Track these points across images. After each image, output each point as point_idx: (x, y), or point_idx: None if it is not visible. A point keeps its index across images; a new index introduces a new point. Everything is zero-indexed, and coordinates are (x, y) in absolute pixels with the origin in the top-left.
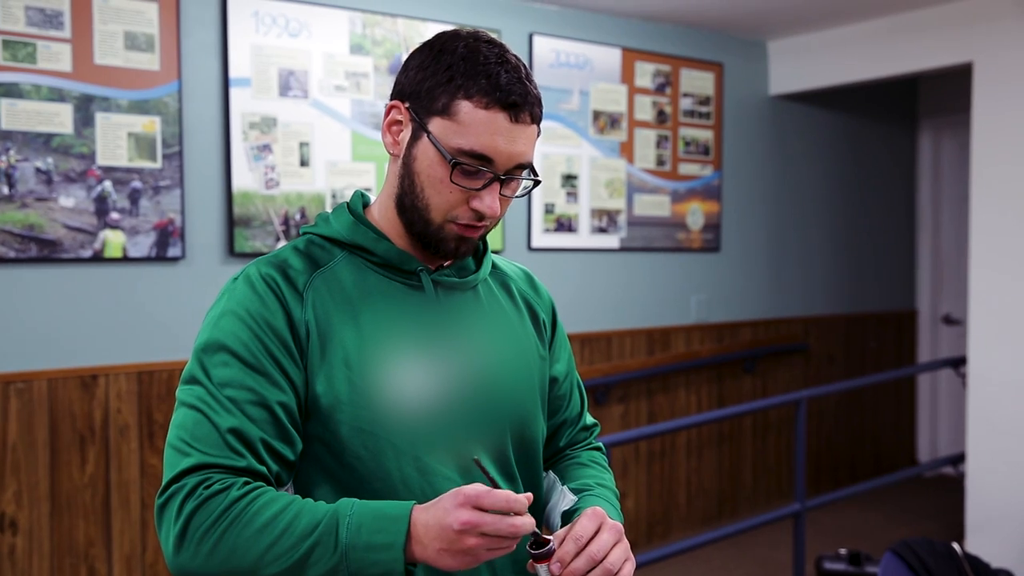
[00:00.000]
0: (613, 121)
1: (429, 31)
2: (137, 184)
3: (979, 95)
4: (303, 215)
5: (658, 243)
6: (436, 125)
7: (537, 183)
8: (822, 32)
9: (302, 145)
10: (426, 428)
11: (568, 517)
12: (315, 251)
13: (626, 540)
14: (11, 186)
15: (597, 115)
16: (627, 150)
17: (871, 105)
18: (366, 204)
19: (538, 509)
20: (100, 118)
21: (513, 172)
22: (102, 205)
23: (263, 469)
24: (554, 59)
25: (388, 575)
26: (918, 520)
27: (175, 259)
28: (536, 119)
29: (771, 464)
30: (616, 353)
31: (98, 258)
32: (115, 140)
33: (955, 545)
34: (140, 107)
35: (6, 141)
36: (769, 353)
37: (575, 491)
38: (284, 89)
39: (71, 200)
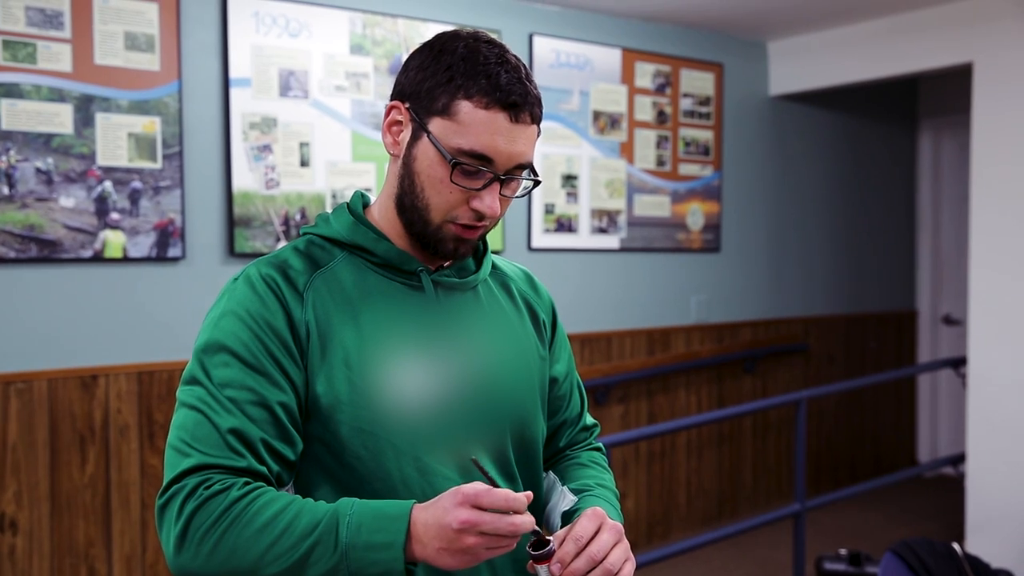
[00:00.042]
0: (613, 121)
1: (429, 31)
2: (137, 184)
3: (979, 95)
4: (303, 215)
5: (658, 243)
6: (436, 125)
7: (537, 183)
8: (822, 32)
9: (302, 145)
10: (426, 428)
11: (568, 517)
12: (315, 251)
13: (626, 540)
14: (11, 186)
15: (597, 115)
16: (627, 150)
17: (871, 105)
18: (366, 204)
19: (538, 509)
20: (100, 118)
21: (513, 172)
22: (102, 205)
23: (263, 469)
24: (554, 59)
25: (388, 574)
26: (918, 520)
27: (175, 259)
28: (536, 119)
29: (771, 464)
30: (616, 353)
31: (98, 258)
32: (115, 140)
33: (955, 545)
34: (140, 107)
35: (6, 141)
36: (769, 353)
37: (575, 491)
38: (284, 89)
39: (71, 200)
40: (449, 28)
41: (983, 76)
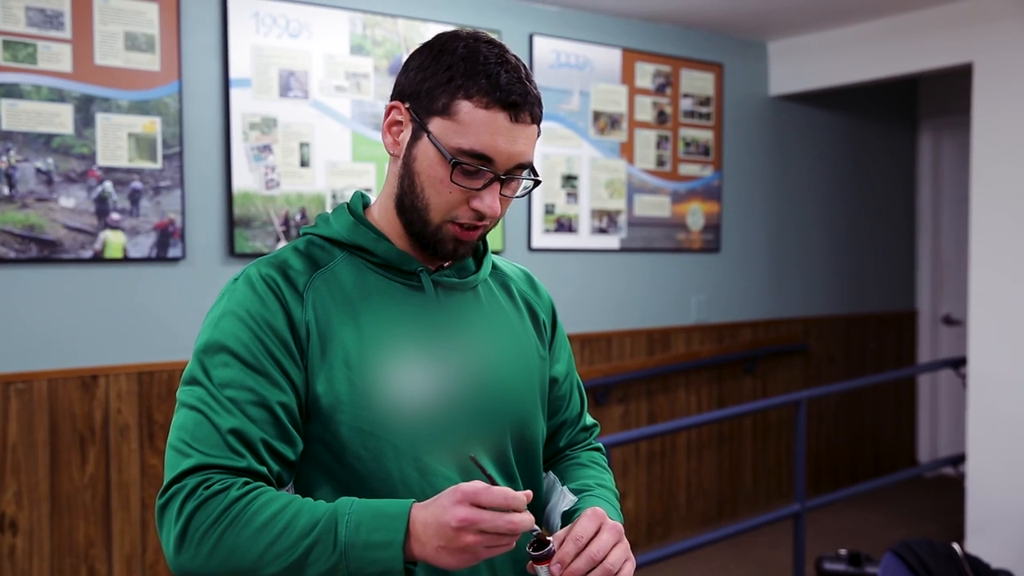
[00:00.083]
0: (613, 122)
1: (429, 32)
2: (137, 184)
3: (979, 96)
4: (303, 216)
5: (658, 244)
6: (436, 125)
7: (537, 183)
8: (822, 33)
9: (302, 146)
10: (426, 428)
11: (568, 517)
12: (315, 252)
13: (626, 540)
14: (11, 186)
15: (597, 116)
16: (627, 151)
17: (871, 106)
18: (366, 205)
19: (538, 509)
20: (100, 118)
21: (513, 172)
22: (102, 206)
23: (263, 469)
24: (554, 60)
25: (387, 573)
26: (918, 521)
27: (175, 259)
28: (536, 119)
29: (771, 465)
30: (616, 353)
31: (98, 258)
32: (115, 141)
33: (955, 546)
34: (140, 108)
35: (6, 141)
36: (769, 354)
37: (575, 491)
38: (284, 90)
39: (71, 200)
40: (449, 28)
41: (983, 76)
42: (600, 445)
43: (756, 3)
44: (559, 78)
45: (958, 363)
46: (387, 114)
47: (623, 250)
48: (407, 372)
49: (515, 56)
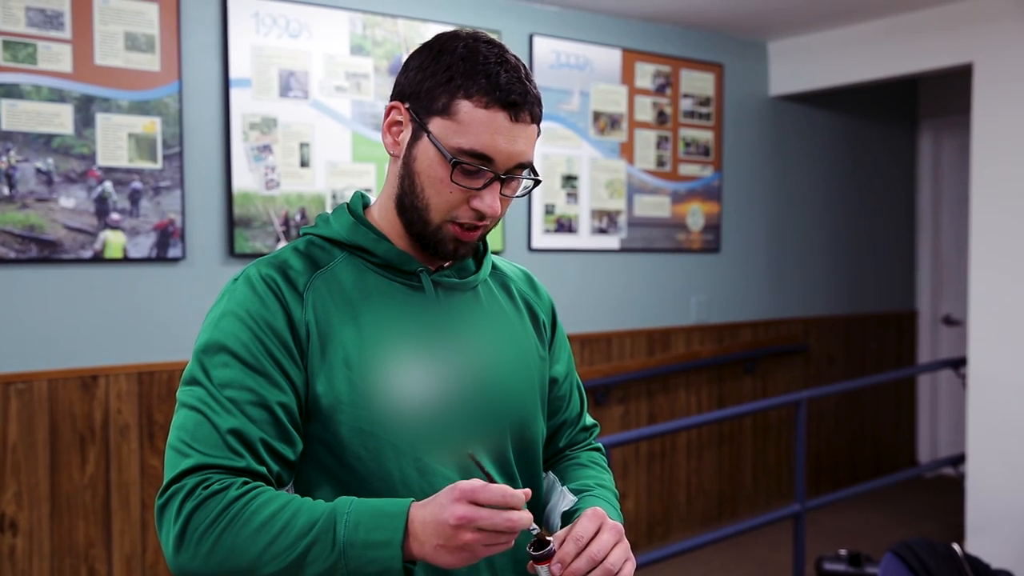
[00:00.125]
0: (613, 122)
1: (429, 32)
2: (137, 185)
3: (979, 96)
4: (303, 216)
5: (658, 244)
6: (436, 125)
7: (537, 183)
8: (822, 33)
9: (302, 146)
10: (426, 428)
11: (568, 518)
12: (315, 252)
13: (626, 540)
14: (11, 187)
15: (597, 116)
16: (627, 151)
17: (871, 106)
18: (366, 205)
19: (538, 509)
20: (100, 119)
21: (513, 172)
22: (102, 206)
23: (263, 469)
24: (554, 60)
25: (386, 573)
26: (918, 521)
27: (175, 260)
28: (536, 119)
29: (771, 465)
30: (616, 354)
31: (98, 259)
32: (115, 141)
33: (955, 546)
34: (140, 108)
35: (7, 142)
36: (769, 354)
37: (575, 492)
38: (284, 90)
39: (71, 201)
40: (449, 29)
41: (983, 77)
42: (600, 445)
43: (756, 3)
44: (559, 78)
45: (958, 363)
46: (387, 114)
47: (623, 250)
48: (407, 372)
49: (515, 56)
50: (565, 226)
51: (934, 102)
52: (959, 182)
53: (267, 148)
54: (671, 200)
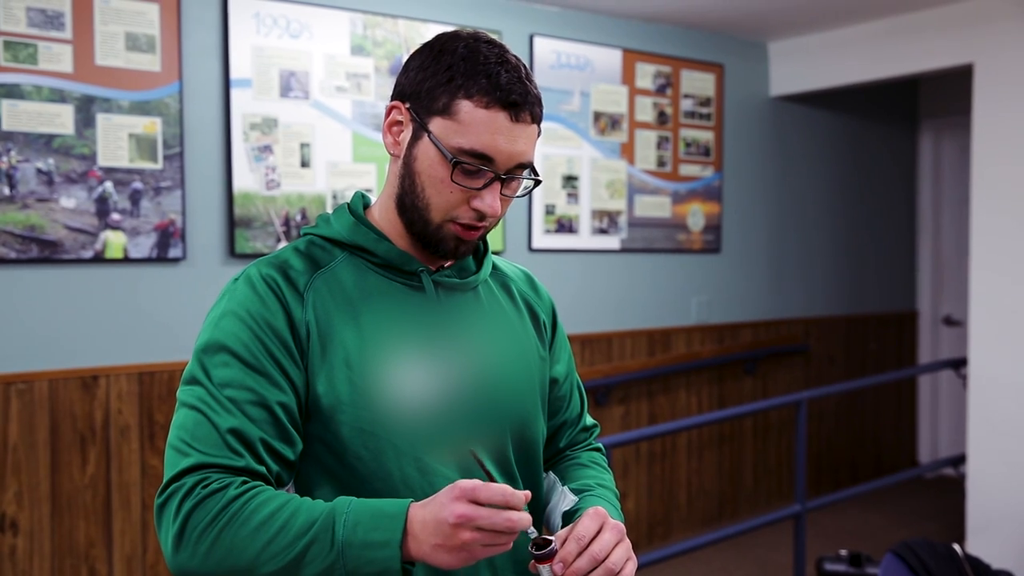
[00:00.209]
0: (614, 122)
1: (430, 32)
2: (138, 185)
3: (980, 96)
4: (304, 216)
5: (659, 244)
6: (436, 125)
7: (538, 183)
8: (823, 33)
9: (303, 146)
10: (427, 428)
11: (569, 517)
12: (316, 252)
13: (628, 540)
14: (12, 187)
15: (598, 116)
16: (628, 151)
17: (872, 106)
18: (367, 205)
19: (538, 510)
20: (101, 119)
21: (514, 171)
22: (103, 206)
23: (262, 469)
24: (555, 60)
25: (385, 573)
26: (919, 521)
27: (176, 260)
28: (536, 119)
29: (772, 465)
30: (617, 354)
31: (99, 259)
32: (116, 141)
33: (956, 546)
34: (141, 108)
35: (7, 142)
36: (770, 354)
37: (576, 491)
38: (285, 90)
39: (72, 201)
40: (449, 29)
41: (984, 77)
42: (600, 445)
43: (757, 4)
44: (559, 78)
45: (959, 364)
46: (387, 114)
47: (624, 251)
48: (408, 372)
49: (515, 56)
50: (566, 226)
51: (934, 102)
52: (960, 182)
53: (268, 148)
54: (672, 200)
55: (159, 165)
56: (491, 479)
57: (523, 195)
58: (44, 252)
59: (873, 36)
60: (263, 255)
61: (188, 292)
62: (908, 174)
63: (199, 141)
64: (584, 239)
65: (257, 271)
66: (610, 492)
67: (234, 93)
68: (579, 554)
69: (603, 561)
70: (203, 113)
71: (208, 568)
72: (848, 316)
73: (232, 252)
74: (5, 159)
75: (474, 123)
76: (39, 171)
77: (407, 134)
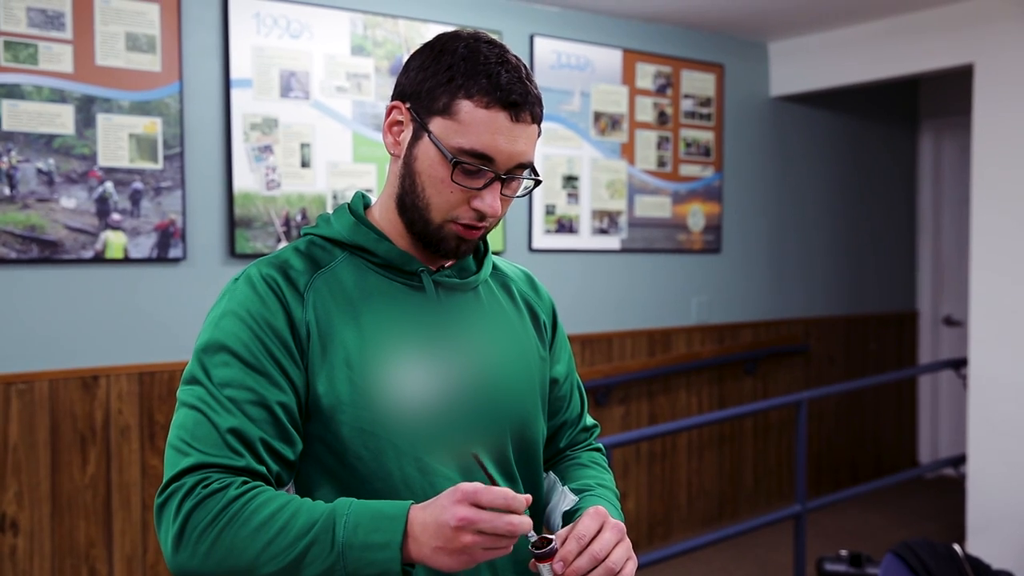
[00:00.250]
0: (614, 122)
1: (430, 32)
2: (138, 185)
3: (980, 97)
4: (304, 216)
5: (659, 244)
6: (437, 125)
7: (538, 183)
8: (823, 33)
9: (303, 146)
10: (427, 428)
11: (569, 517)
12: (316, 252)
13: (628, 540)
14: (12, 187)
15: (598, 116)
16: (628, 151)
17: (872, 106)
18: (367, 205)
19: (538, 510)
20: (101, 119)
21: (514, 172)
22: (103, 206)
23: (262, 469)
24: (555, 60)
25: (385, 574)
26: (919, 521)
27: (176, 260)
28: (537, 119)
29: (772, 465)
30: (617, 354)
31: (99, 259)
32: (116, 141)
33: (956, 546)
34: (141, 108)
35: (7, 142)
36: (770, 354)
37: (576, 491)
38: (285, 90)
39: (72, 201)
40: (450, 29)
41: (984, 77)
42: (600, 446)
43: (757, 4)
44: (560, 79)
45: (959, 364)
46: (388, 114)
47: (624, 251)
48: (408, 372)
49: (515, 56)
50: (566, 226)
51: (935, 103)
52: (960, 183)
53: (268, 148)
54: (672, 200)
55: (159, 165)
56: (493, 482)
57: (523, 195)
58: (44, 252)
59: (873, 36)
60: (263, 255)
61: (188, 292)
62: (908, 174)
63: (199, 141)
64: (584, 239)
65: (257, 271)
66: (610, 492)
67: (234, 93)
68: (579, 553)
69: (603, 560)
70: (203, 113)
71: (208, 568)
72: (848, 316)
73: (232, 252)
74: (5, 159)
75: (474, 123)
76: (39, 171)
77: (407, 134)
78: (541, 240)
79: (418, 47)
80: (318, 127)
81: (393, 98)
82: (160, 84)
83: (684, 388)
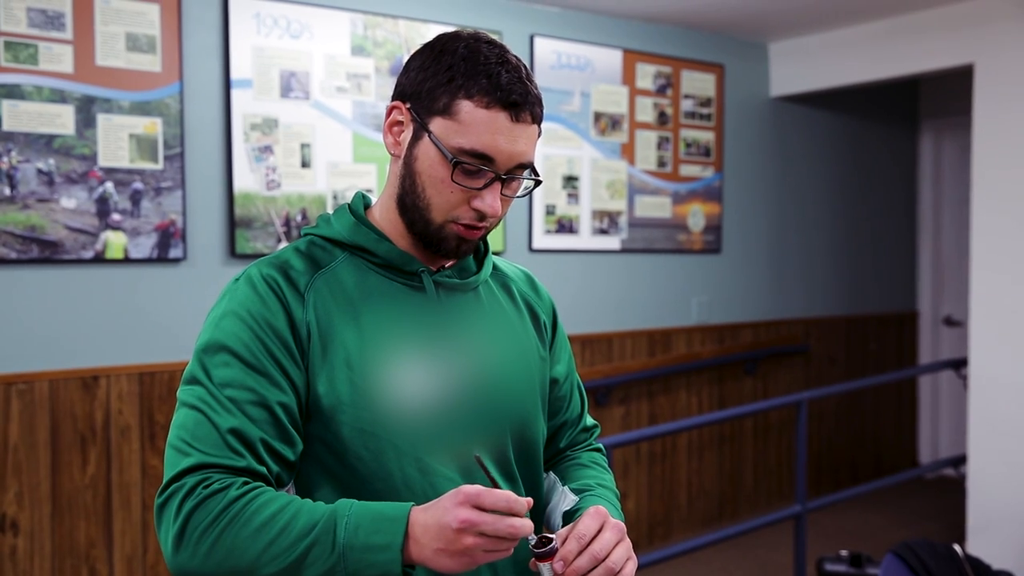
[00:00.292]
0: (614, 123)
1: (430, 32)
2: (138, 185)
3: (980, 97)
4: (304, 216)
5: (659, 244)
6: (437, 125)
7: (538, 183)
8: (823, 34)
9: (303, 146)
10: (427, 429)
11: (569, 517)
12: (316, 252)
13: (628, 539)
14: (13, 187)
15: (598, 116)
16: (628, 151)
17: (872, 107)
18: (367, 205)
19: (539, 510)
20: (102, 119)
21: (514, 172)
22: (103, 206)
23: (263, 469)
24: (555, 60)
25: None
26: (919, 522)
27: (176, 260)
28: (537, 119)
29: (772, 466)
30: (617, 354)
31: (99, 259)
32: (116, 141)
33: (956, 547)
34: (141, 108)
35: (8, 142)
36: (770, 354)
37: (576, 491)
38: (285, 90)
39: (72, 201)
40: (450, 29)
41: (984, 77)
42: (600, 446)
43: (757, 4)
44: (560, 79)
45: (959, 364)
46: (388, 114)
47: (624, 251)
48: (408, 372)
49: (516, 56)
50: (566, 227)
51: (935, 103)
52: (960, 183)
53: (268, 149)
54: (672, 201)
55: (160, 165)
56: (495, 484)
57: (523, 195)
58: (45, 252)
59: (873, 36)
60: (263, 255)
61: (188, 292)
62: (908, 174)
63: (200, 141)
64: (584, 239)
65: (258, 271)
66: (610, 492)
67: (235, 93)
68: (579, 553)
69: (603, 560)
70: (204, 113)
71: (208, 569)
72: (848, 316)
73: (232, 252)
74: (6, 159)
75: (474, 123)
76: (40, 171)
77: (408, 134)
78: (541, 240)
79: (418, 47)
80: (318, 127)
81: (393, 98)
82: (160, 84)
83: (684, 388)
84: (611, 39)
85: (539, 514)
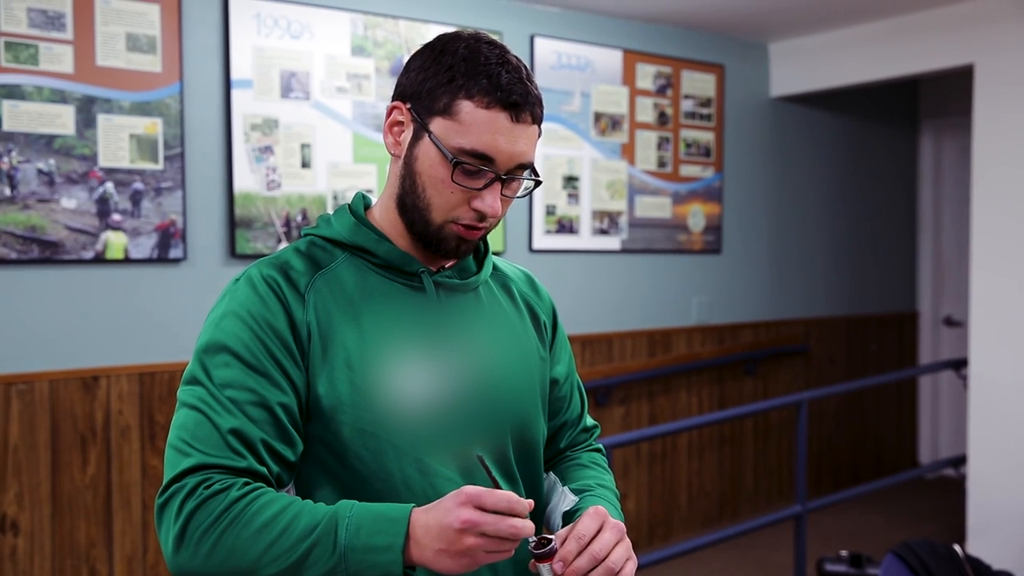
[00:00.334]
0: (614, 123)
1: (431, 33)
2: (139, 185)
3: (980, 97)
4: (304, 216)
5: (659, 245)
6: (437, 125)
7: (538, 183)
8: (823, 34)
9: (303, 147)
10: (427, 429)
11: (569, 517)
12: (316, 252)
13: (628, 540)
14: (13, 187)
15: (598, 117)
16: (628, 152)
17: (872, 107)
18: (367, 205)
19: (539, 511)
20: (102, 120)
21: (514, 172)
22: (104, 207)
23: (263, 470)
24: (555, 61)
25: None
26: (919, 522)
27: (176, 260)
28: (537, 119)
29: (772, 466)
30: (617, 354)
31: (100, 259)
32: (117, 142)
33: (956, 547)
34: (142, 109)
35: (8, 143)
36: (770, 355)
37: (576, 492)
38: (286, 91)
39: (73, 201)
40: (450, 29)
41: (984, 78)
42: (600, 446)
43: (757, 4)
44: (560, 79)
45: (959, 364)
46: (388, 114)
47: (624, 251)
48: (408, 373)
49: (516, 57)
50: (566, 227)
51: (935, 103)
52: (960, 183)
53: (268, 149)
54: (672, 201)
55: (160, 166)
56: (496, 484)
57: (523, 196)
58: (45, 253)
59: (873, 37)
60: (264, 256)
61: (189, 293)
62: (908, 175)
63: (200, 142)
64: (584, 240)
65: (258, 271)
66: (610, 492)
67: (235, 94)
68: (579, 553)
69: (603, 560)
70: (204, 114)
71: (209, 569)
72: (848, 317)
73: (233, 253)
74: (6, 160)
75: (475, 123)
76: (40, 172)
77: (408, 134)
78: (541, 240)
79: (419, 48)
80: (318, 128)
81: (394, 98)
82: (160, 84)
83: (684, 388)
84: (611, 39)
85: (539, 515)
